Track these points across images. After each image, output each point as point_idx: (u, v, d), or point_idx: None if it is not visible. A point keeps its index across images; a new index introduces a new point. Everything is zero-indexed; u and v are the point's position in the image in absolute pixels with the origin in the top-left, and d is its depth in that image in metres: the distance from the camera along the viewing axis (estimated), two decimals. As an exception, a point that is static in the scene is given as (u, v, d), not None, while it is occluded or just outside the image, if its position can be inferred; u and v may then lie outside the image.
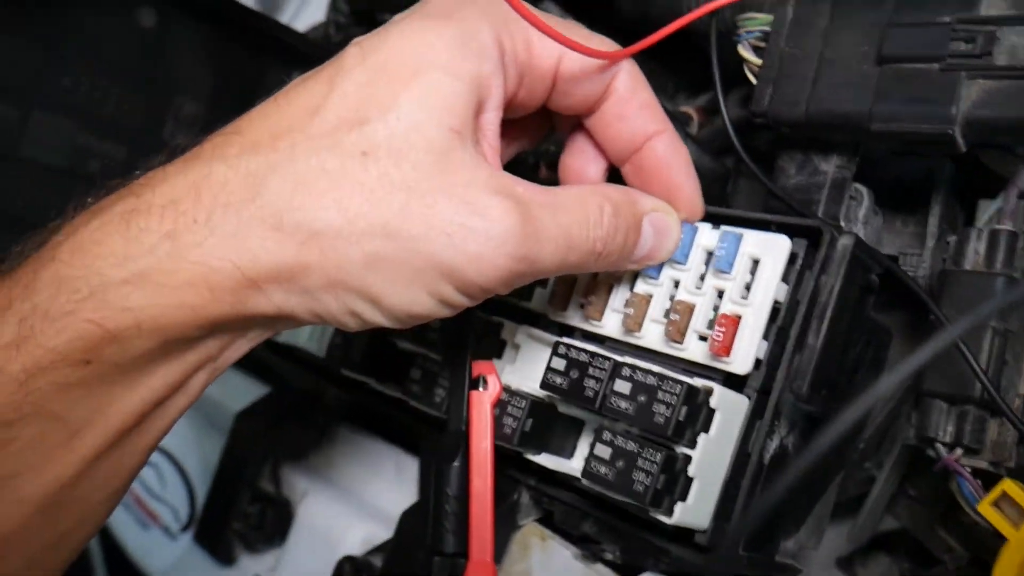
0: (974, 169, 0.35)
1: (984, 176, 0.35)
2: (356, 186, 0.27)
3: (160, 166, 0.29)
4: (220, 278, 0.27)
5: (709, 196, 0.44)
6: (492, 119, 0.31)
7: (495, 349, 0.39)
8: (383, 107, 0.28)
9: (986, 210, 0.34)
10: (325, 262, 0.27)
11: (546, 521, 0.40)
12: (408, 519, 0.41)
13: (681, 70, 0.61)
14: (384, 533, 0.44)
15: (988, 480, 0.33)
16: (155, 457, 0.60)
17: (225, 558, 0.50)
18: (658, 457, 0.31)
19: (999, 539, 0.31)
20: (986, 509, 0.29)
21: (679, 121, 0.46)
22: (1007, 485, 0.28)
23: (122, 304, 0.27)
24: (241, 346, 0.31)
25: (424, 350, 0.40)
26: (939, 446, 0.34)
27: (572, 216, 0.30)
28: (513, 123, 0.33)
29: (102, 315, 0.27)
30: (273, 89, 0.58)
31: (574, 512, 0.38)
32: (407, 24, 0.30)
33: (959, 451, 0.33)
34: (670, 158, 0.34)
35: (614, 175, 0.37)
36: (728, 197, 0.48)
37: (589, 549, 0.38)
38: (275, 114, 0.29)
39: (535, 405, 0.35)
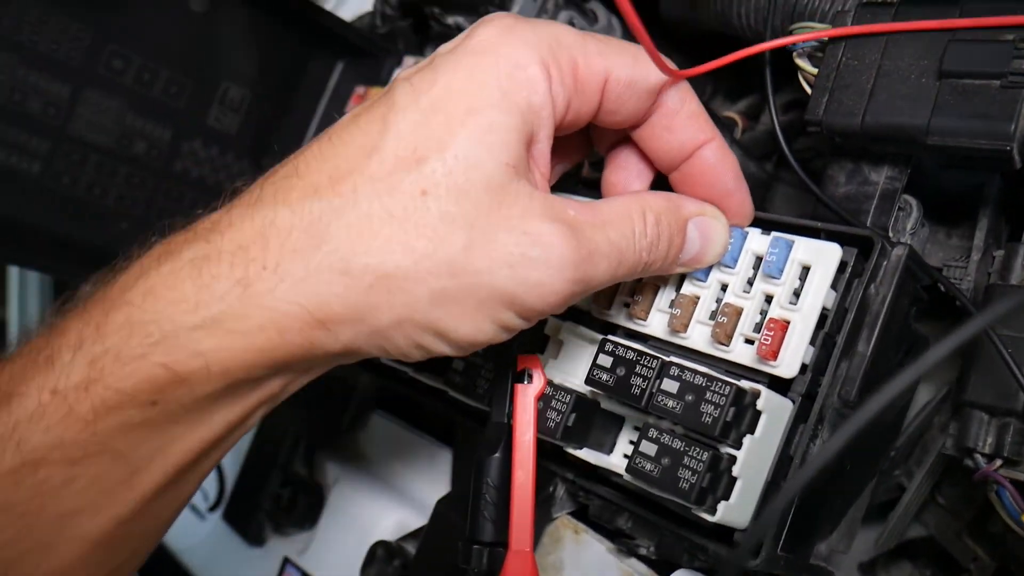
0: (1022, 184, 0.35)
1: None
2: (419, 227, 0.28)
3: (224, 207, 0.30)
4: (290, 321, 0.28)
5: (753, 201, 0.45)
6: (543, 148, 0.32)
7: (539, 344, 0.40)
8: (440, 146, 0.28)
9: (1035, 226, 0.34)
10: (393, 302, 0.28)
11: (580, 515, 0.41)
12: (443, 507, 0.42)
13: (720, 74, 0.61)
14: (416, 521, 0.45)
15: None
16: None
17: (255, 539, 0.51)
18: (704, 456, 0.31)
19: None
20: (1030, 521, 0.29)
21: (725, 126, 0.46)
22: (1050, 497, 0.29)
23: (193, 348, 0.27)
24: (302, 380, 0.31)
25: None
26: (978, 456, 0.34)
27: (619, 230, 0.31)
28: (558, 142, 0.33)
29: (173, 359, 0.27)
30: (317, 78, 0.59)
31: (610, 506, 0.38)
32: (456, 61, 0.30)
33: (999, 462, 0.33)
34: (719, 165, 0.34)
35: (660, 182, 0.37)
36: (768, 201, 0.49)
37: (623, 544, 0.38)
38: (332, 155, 0.30)
39: (579, 400, 0.36)
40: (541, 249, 0.28)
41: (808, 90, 0.37)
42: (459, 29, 0.54)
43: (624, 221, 0.31)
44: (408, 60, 0.52)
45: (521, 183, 0.29)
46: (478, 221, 0.28)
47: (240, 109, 0.56)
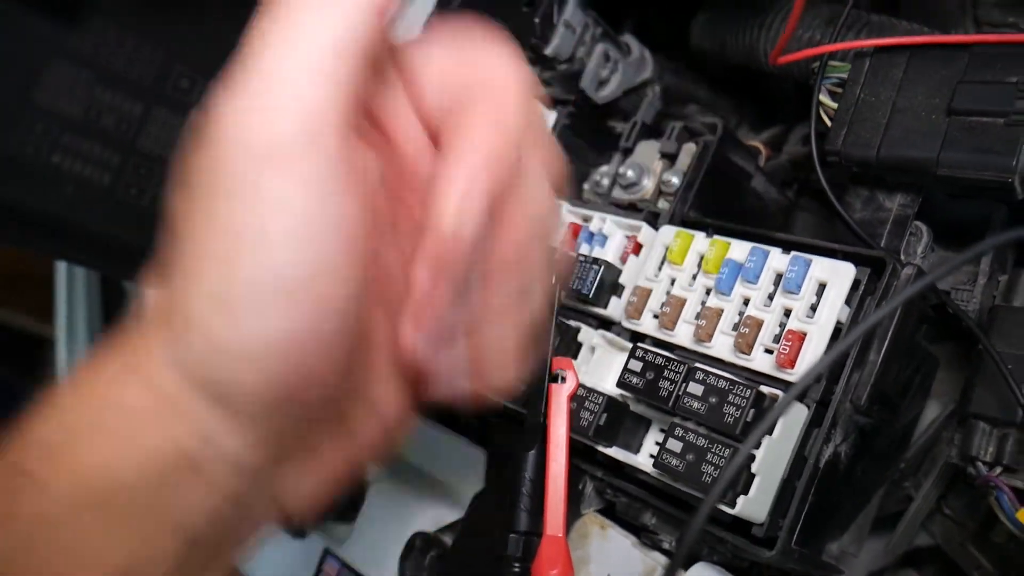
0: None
1: (1034, 222, 0.38)
2: None
3: None
4: None
5: (774, 224, 0.48)
6: None
7: (573, 351, 0.43)
8: None
9: (1036, 253, 0.37)
10: None
11: (607, 512, 0.43)
12: (479, 501, 0.45)
13: (745, 103, 0.65)
14: (450, 515, 0.48)
15: (1022, 498, 0.36)
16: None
17: (297, 532, 0.54)
18: (726, 453, 0.34)
19: (1030, 552, 0.34)
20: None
21: (750, 154, 0.49)
22: (1043, 499, 0.31)
23: None
24: None
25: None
26: (980, 465, 0.37)
27: None
28: None
29: None
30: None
31: (635, 503, 0.41)
32: None
33: (999, 469, 0.36)
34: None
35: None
36: (789, 227, 0.52)
37: (647, 538, 0.41)
38: None
39: (610, 402, 0.39)
40: None
41: (828, 123, 0.40)
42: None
43: None
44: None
45: None
46: None
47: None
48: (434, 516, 0.48)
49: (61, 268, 0.91)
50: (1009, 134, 0.34)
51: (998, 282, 0.39)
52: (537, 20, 0.53)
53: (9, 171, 0.50)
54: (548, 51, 0.53)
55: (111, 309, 0.84)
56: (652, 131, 0.53)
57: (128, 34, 0.52)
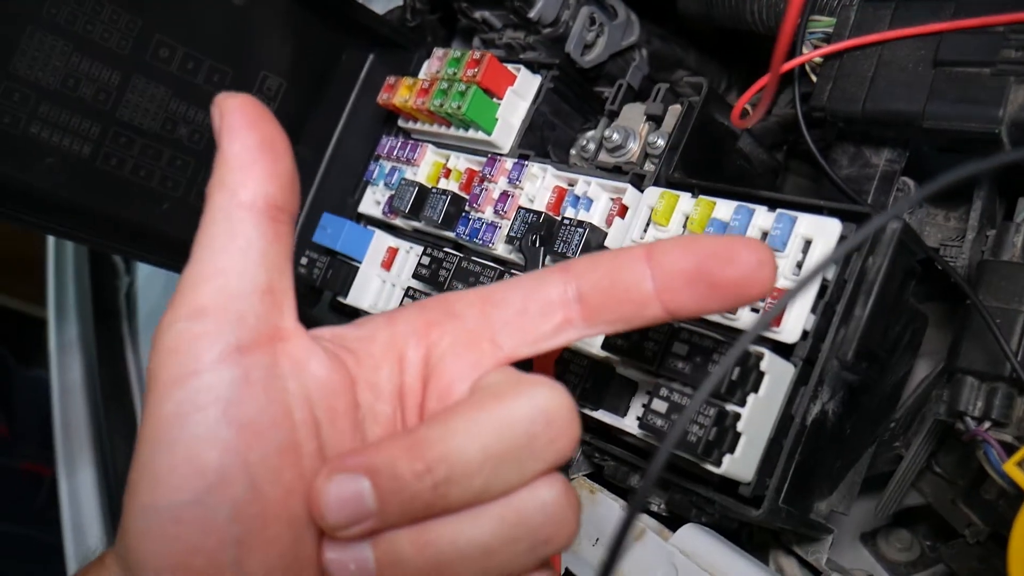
0: (1015, 167, 0.38)
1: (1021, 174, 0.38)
2: None
3: None
4: None
5: (762, 186, 0.47)
6: None
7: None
8: None
9: (1024, 208, 0.37)
10: None
11: (595, 476, 0.43)
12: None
13: (734, 67, 0.64)
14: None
15: (1010, 452, 0.36)
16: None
17: None
18: (711, 412, 0.34)
19: (1017, 505, 0.33)
20: (1011, 468, 0.32)
21: (724, 103, 0.48)
22: (1030, 450, 0.31)
23: None
24: None
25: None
26: (968, 420, 0.37)
27: None
28: None
29: None
30: (349, 68, 0.61)
31: (623, 467, 0.41)
32: None
33: (987, 424, 0.36)
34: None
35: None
36: (778, 189, 0.52)
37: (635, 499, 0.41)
38: None
39: (595, 364, 0.39)
40: None
41: (813, 79, 0.40)
42: (486, 23, 0.57)
43: None
44: (437, 52, 0.55)
45: None
46: None
47: (277, 97, 0.59)
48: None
49: (51, 250, 0.91)
50: (995, 83, 0.33)
51: (986, 237, 0.39)
52: (520, -18, 0.52)
53: (-13, 143, 0.49)
54: (532, 14, 0.53)
55: (101, 289, 0.83)
56: (638, 94, 0.52)
57: (105, 3, 0.51)
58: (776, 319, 0.35)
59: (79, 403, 0.76)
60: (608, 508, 0.42)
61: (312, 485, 0.25)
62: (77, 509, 0.67)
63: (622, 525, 0.22)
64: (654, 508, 0.40)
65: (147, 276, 0.83)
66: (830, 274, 0.36)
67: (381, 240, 0.54)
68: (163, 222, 0.57)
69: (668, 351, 0.36)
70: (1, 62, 0.49)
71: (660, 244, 0.27)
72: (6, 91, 0.49)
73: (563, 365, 0.39)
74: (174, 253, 0.58)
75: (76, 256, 0.87)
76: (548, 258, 0.42)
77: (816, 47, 0.40)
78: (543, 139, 0.52)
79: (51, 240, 0.92)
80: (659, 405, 0.35)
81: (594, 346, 0.41)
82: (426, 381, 0.28)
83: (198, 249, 0.27)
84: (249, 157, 0.27)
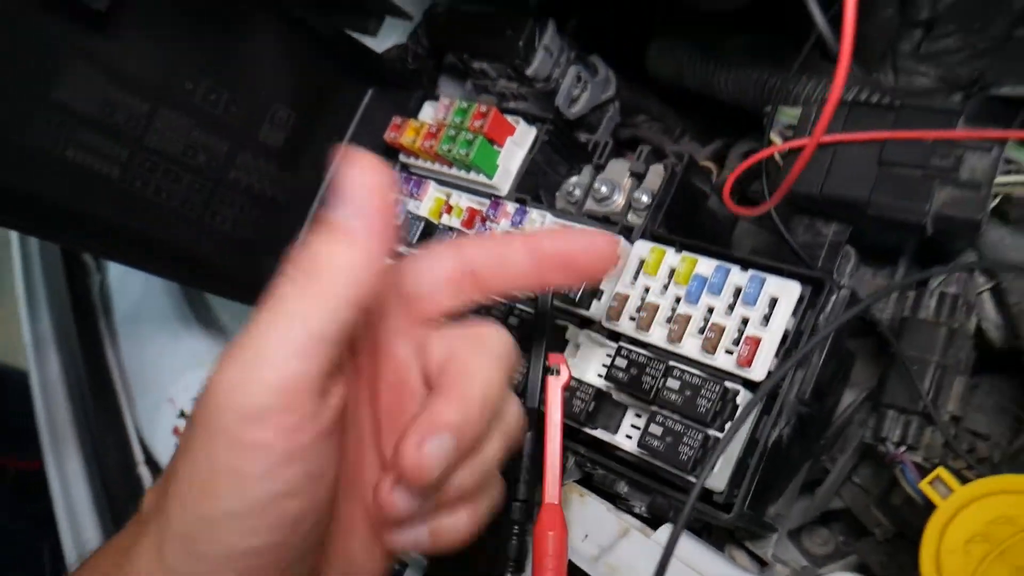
0: (933, 243, 0.47)
1: (940, 250, 0.47)
2: None
3: None
4: None
5: (724, 237, 0.56)
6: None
7: (560, 346, 0.50)
8: None
9: (938, 276, 0.47)
10: None
11: (585, 482, 0.51)
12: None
13: (689, 116, 0.72)
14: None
15: (920, 471, 0.45)
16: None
17: None
18: (699, 437, 0.42)
19: (924, 514, 0.43)
20: (925, 487, 0.41)
21: (704, 176, 0.57)
22: (941, 471, 0.41)
23: None
24: None
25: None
26: (889, 444, 0.46)
27: None
28: None
29: None
30: (348, 102, 0.67)
31: (610, 475, 0.49)
32: None
33: (903, 448, 0.45)
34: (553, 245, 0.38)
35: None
36: (733, 234, 0.60)
37: (621, 504, 0.49)
38: None
39: (599, 392, 0.47)
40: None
41: (780, 162, 0.48)
42: (483, 73, 0.64)
43: None
44: (443, 100, 0.61)
45: None
46: None
47: (286, 126, 0.64)
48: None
49: (15, 246, 0.92)
50: (925, 184, 0.43)
51: (907, 297, 0.48)
52: (521, 44, 0.59)
53: (26, 162, 0.53)
54: (529, 71, 0.60)
55: (75, 286, 0.86)
56: (619, 149, 0.60)
57: (144, 41, 0.55)
58: (747, 360, 0.44)
59: (60, 398, 0.80)
60: (595, 509, 0.50)
61: (403, 455, 0.31)
62: (70, 502, 0.71)
63: (668, 544, 0.30)
64: (637, 510, 0.48)
65: (119, 275, 0.86)
66: (791, 326, 0.45)
67: (384, 265, 0.60)
68: (181, 239, 0.61)
69: (663, 385, 0.44)
70: (45, 91, 0.53)
71: (537, 236, 0.38)
72: (48, 117, 0.53)
73: (570, 392, 0.47)
74: (188, 268, 0.64)
75: (43, 253, 0.89)
76: (552, 299, 0.50)
77: (782, 135, 0.49)
78: (536, 184, 0.59)
79: (14, 237, 0.93)
80: (655, 429, 0.43)
81: (591, 374, 0.49)
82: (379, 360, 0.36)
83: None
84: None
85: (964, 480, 0.41)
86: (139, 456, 0.73)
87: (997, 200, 0.43)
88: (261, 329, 0.30)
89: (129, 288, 0.85)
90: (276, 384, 0.29)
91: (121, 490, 0.72)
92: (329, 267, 0.31)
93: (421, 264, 0.36)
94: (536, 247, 0.37)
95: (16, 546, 0.85)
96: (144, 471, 0.72)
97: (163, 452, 0.72)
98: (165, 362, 0.76)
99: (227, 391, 0.30)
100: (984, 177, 0.42)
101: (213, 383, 0.30)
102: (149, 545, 0.31)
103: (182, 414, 0.72)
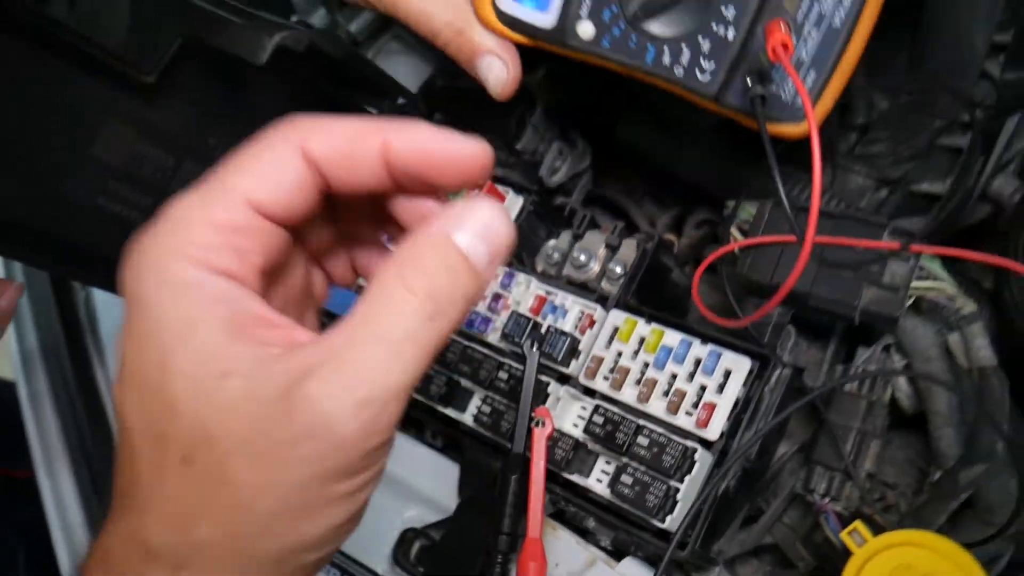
0: (860, 327, 0.57)
1: (865, 333, 0.57)
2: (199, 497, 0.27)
3: None
4: None
5: (684, 302, 0.64)
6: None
7: (542, 399, 0.58)
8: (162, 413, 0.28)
9: (863, 355, 0.56)
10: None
11: (557, 516, 0.59)
12: (465, 506, 0.59)
13: (646, 186, 0.81)
14: (431, 515, 0.61)
15: (841, 519, 0.55)
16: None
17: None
18: (664, 488, 0.50)
19: (841, 555, 0.52)
20: (844, 536, 0.50)
21: (666, 248, 0.65)
22: (858, 524, 0.49)
23: None
24: None
25: (490, 393, 0.58)
26: (816, 495, 0.55)
27: (388, 331, 0.28)
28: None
29: None
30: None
31: (581, 512, 0.57)
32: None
33: (828, 499, 0.54)
34: (413, 141, 0.31)
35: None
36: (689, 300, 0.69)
37: (589, 538, 0.57)
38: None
39: (577, 443, 0.54)
40: (312, 446, 0.26)
41: (737, 252, 0.57)
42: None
43: (383, 309, 0.28)
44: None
45: (234, 380, 0.27)
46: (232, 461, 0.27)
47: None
48: (417, 515, 0.62)
49: None
50: (855, 285, 0.52)
51: (836, 369, 0.57)
52: (513, 121, 0.67)
53: (62, 210, 0.58)
54: (519, 146, 0.67)
55: (62, 302, 0.90)
56: (593, 221, 0.68)
57: (178, 105, 0.61)
58: (704, 422, 0.52)
59: (49, 410, 0.84)
60: (567, 541, 0.57)
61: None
62: (63, 511, 0.76)
63: None
64: (603, 544, 0.56)
65: (104, 295, 0.91)
66: (741, 395, 0.53)
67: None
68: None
69: (634, 441, 0.52)
70: (84, 146, 0.58)
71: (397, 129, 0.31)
72: (83, 169, 0.58)
73: (553, 441, 0.55)
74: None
75: (26, 272, 0.92)
76: (539, 355, 0.57)
77: (741, 229, 0.57)
78: (520, 247, 0.66)
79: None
80: (626, 479, 0.51)
81: (568, 425, 0.57)
82: None
83: None
84: None
85: (877, 528, 0.50)
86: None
87: (912, 300, 0.52)
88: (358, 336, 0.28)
89: (114, 308, 0.89)
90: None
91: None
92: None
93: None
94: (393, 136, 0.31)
95: (-6, 551, 0.89)
96: (135, 486, 0.77)
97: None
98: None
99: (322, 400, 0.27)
100: (903, 281, 0.51)
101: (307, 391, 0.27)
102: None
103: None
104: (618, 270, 0.61)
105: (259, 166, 0.30)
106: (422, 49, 0.79)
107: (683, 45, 0.44)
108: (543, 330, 0.59)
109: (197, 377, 0.27)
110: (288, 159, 0.30)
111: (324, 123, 0.31)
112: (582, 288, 0.62)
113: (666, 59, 0.45)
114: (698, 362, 0.54)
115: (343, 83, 0.60)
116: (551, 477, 0.56)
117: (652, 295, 0.61)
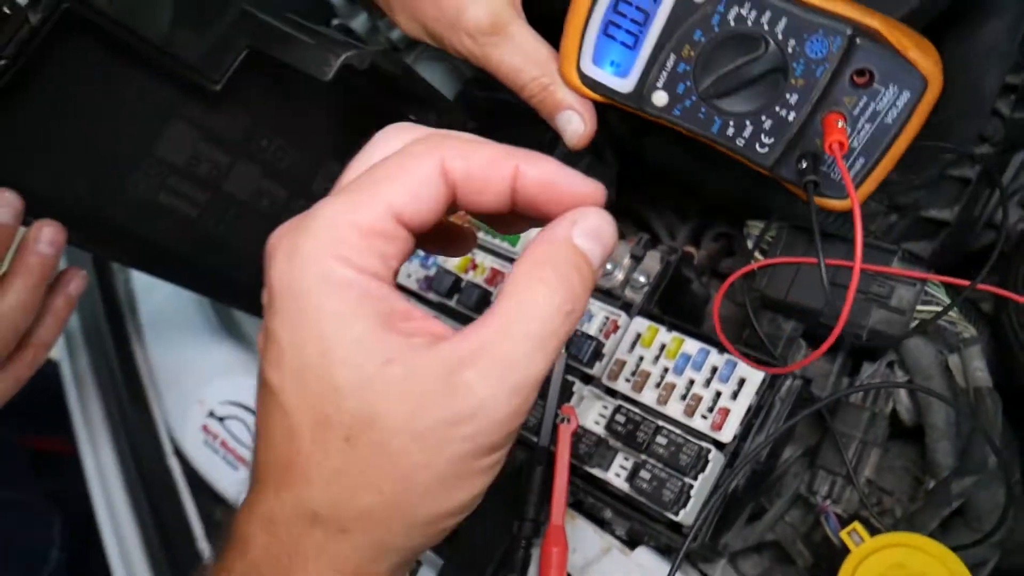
0: (865, 345, 0.61)
1: (871, 349, 0.61)
2: (364, 471, 0.31)
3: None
4: None
5: (701, 310, 0.69)
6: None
7: (567, 397, 0.62)
8: (326, 397, 0.31)
9: (868, 369, 0.60)
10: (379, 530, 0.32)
11: (576, 506, 0.63)
12: (491, 493, 0.63)
13: (671, 195, 0.85)
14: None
15: (840, 520, 0.59)
16: (243, 413, 0.79)
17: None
18: (679, 484, 0.55)
19: (839, 553, 0.56)
20: (844, 535, 0.54)
21: (686, 260, 0.69)
22: (856, 525, 0.54)
23: None
24: None
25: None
26: (818, 497, 0.59)
27: (530, 322, 0.31)
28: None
29: None
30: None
31: (599, 503, 0.61)
32: (279, 317, 0.32)
33: (829, 501, 0.59)
34: (542, 172, 0.34)
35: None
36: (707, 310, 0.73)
37: (606, 528, 0.61)
38: (270, 458, 0.33)
39: (599, 439, 0.59)
40: (471, 426, 0.30)
41: (756, 269, 0.61)
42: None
43: (528, 306, 0.32)
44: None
45: (395, 367, 0.30)
46: (394, 439, 0.30)
47: (334, 179, 0.74)
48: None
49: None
50: (865, 306, 0.56)
51: (842, 380, 0.62)
52: (548, 134, 0.71)
53: (127, 205, 0.63)
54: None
55: (105, 285, 0.94)
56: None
57: (237, 110, 0.65)
58: (719, 425, 0.57)
59: (91, 387, 0.88)
60: (584, 529, 0.62)
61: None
62: (105, 484, 0.80)
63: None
64: (618, 533, 0.61)
65: (144, 276, 0.95)
66: (754, 402, 0.57)
67: (413, 307, 0.71)
68: (244, 273, 0.70)
69: (654, 440, 0.56)
70: (149, 145, 0.62)
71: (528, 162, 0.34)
72: (148, 166, 0.63)
73: (577, 437, 0.59)
74: (244, 297, 0.73)
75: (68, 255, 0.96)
76: (566, 357, 0.61)
77: (760, 249, 0.61)
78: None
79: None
80: (644, 475, 0.56)
81: (589, 422, 0.61)
82: None
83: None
84: None
85: (873, 530, 0.54)
86: (168, 447, 0.83)
87: (916, 323, 0.56)
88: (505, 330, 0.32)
89: (154, 291, 0.94)
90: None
91: (153, 475, 0.81)
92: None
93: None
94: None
95: (30, 517, 0.93)
96: (173, 462, 0.81)
97: (191, 448, 0.81)
98: (194, 366, 0.85)
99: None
100: (908, 305, 0.55)
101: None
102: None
103: (211, 414, 0.81)
104: (642, 279, 0.65)
105: (404, 178, 0.32)
106: (456, 58, 0.83)
107: (747, 121, 0.49)
108: (572, 336, 0.63)
109: (360, 365, 0.30)
110: (430, 175, 0.33)
111: (466, 145, 0.33)
112: (607, 295, 0.66)
113: (730, 131, 0.50)
114: (715, 370, 0.58)
115: (393, 95, 0.64)
116: (573, 470, 0.61)
117: (673, 304, 0.66)
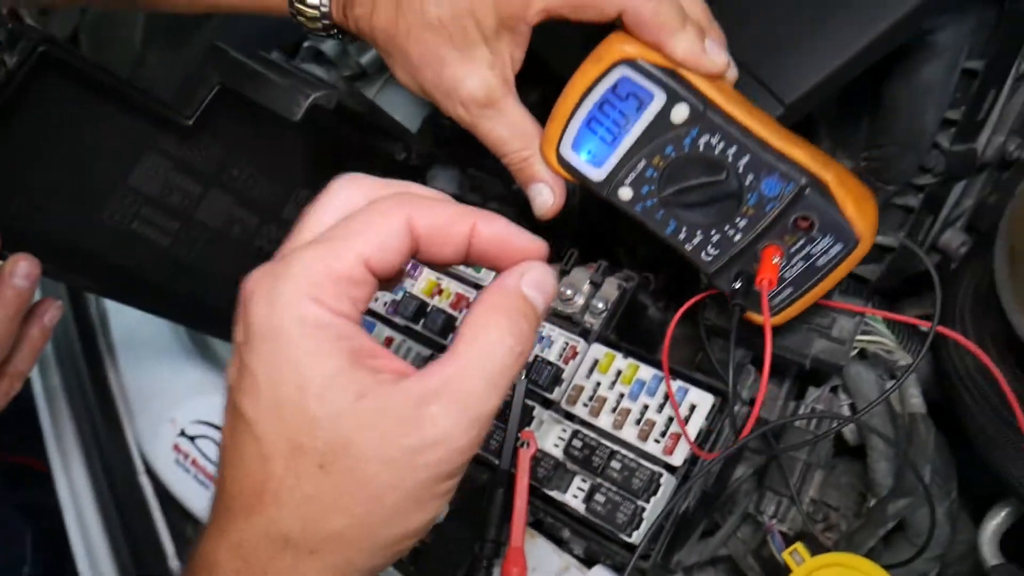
0: (810, 371, 0.64)
1: (814, 375, 0.64)
2: (332, 496, 0.33)
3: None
4: None
5: (656, 336, 0.71)
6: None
7: (527, 421, 0.65)
8: (303, 425, 0.34)
9: (813, 394, 0.63)
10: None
11: (536, 526, 0.66)
12: (453, 514, 0.66)
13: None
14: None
15: (785, 538, 0.62)
16: (214, 432, 0.81)
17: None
18: (632, 507, 0.57)
19: (785, 572, 0.59)
20: (786, 556, 0.57)
21: (642, 286, 0.72)
22: (797, 546, 0.57)
23: None
24: None
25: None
26: (765, 516, 0.63)
27: (483, 360, 0.35)
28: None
29: None
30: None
31: (557, 523, 0.64)
32: (254, 354, 0.35)
33: (775, 520, 0.62)
34: (495, 230, 0.38)
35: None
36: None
37: (564, 547, 0.64)
38: (238, 480, 0.35)
39: (557, 463, 0.61)
40: (434, 454, 0.34)
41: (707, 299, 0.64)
42: (477, 178, 0.77)
43: (485, 347, 0.36)
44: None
45: (368, 401, 0.34)
46: (363, 468, 0.33)
47: (303, 205, 0.76)
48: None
49: None
50: (808, 336, 0.59)
51: (789, 404, 0.65)
52: (510, 165, 0.73)
53: (100, 233, 0.65)
54: (515, 186, 0.74)
55: (75, 298, 0.95)
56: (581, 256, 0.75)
57: (209, 142, 0.67)
58: (670, 449, 0.60)
59: (62, 405, 0.90)
60: (543, 548, 0.64)
61: None
62: (76, 498, 0.82)
63: None
64: (576, 552, 0.63)
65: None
66: (704, 426, 0.60)
67: (380, 331, 0.73)
68: (216, 298, 0.72)
69: (608, 465, 0.59)
70: (122, 177, 0.64)
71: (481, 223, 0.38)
72: (121, 197, 0.65)
73: (536, 460, 0.62)
74: (216, 322, 0.75)
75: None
76: (526, 382, 0.64)
77: (710, 278, 0.64)
78: (512, 279, 0.73)
79: None
80: (599, 498, 0.59)
81: (548, 445, 0.64)
82: None
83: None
84: None
85: (817, 547, 0.57)
86: (139, 466, 0.84)
87: (856, 351, 0.60)
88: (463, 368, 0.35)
89: (126, 311, 0.95)
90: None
91: (125, 494, 0.83)
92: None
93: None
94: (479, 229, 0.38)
95: (2, 533, 0.94)
96: (145, 480, 0.83)
97: (163, 467, 0.83)
98: (165, 386, 0.87)
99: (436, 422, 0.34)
100: (849, 335, 0.58)
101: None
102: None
103: (182, 433, 0.83)
104: (600, 305, 0.68)
105: (374, 231, 0.36)
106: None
107: (698, 231, 0.54)
108: (531, 359, 0.66)
109: (334, 399, 0.33)
110: (397, 229, 0.36)
111: (430, 204, 0.37)
112: (567, 321, 0.69)
113: (682, 235, 0.55)
114: (666, 396, 0.61)
115: (359, 129, 0.66)
116: (532, 492, 0.63)
117: (630, 329, 0.68)
